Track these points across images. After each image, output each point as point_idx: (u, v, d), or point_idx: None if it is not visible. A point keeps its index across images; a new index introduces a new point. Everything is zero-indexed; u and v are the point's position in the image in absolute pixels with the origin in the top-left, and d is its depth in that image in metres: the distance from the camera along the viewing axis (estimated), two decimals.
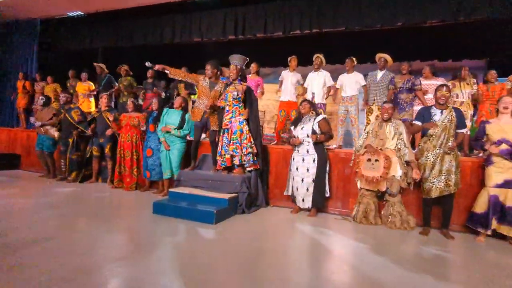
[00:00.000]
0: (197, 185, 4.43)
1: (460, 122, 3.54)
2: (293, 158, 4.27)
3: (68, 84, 7.37)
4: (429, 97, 4.91)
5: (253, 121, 4.45)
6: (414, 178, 3.62)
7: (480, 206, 3.44)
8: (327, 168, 4.24)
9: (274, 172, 4.80)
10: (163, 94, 6.43)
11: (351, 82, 5.19)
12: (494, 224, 3.36)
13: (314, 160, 4.09)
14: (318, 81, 5.31)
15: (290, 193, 4.39)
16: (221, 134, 4.43)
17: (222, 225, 3.70)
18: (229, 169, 4.48)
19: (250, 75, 5.61)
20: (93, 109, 6.91)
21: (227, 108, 4.40)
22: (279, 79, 5.77)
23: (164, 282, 2.28)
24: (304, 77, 5.58)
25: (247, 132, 4.32)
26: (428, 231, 3.67)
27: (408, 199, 4.03)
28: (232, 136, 4.30)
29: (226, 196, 4.07)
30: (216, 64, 4.55)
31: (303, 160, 4.16)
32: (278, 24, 6.05)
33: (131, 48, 7.85)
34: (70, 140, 5.65)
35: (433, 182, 3.53)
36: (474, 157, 4.22)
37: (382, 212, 3.93)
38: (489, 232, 3.40)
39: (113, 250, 2.85)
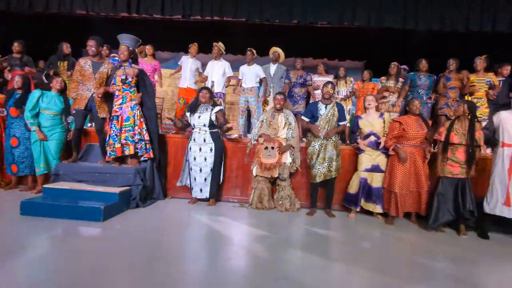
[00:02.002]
0: (80, 179, 3.87)
1: (341, 115, 4.02)
2: (190, 148, 4.14)
3: None
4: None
5: (148, 107, 4.15)
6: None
7: (353, 188, 4.00)
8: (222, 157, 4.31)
9: (172, 162, 4.57)
10: (44, 78, 5.35)
11: (251, 73, 5.28)
12: (362, 202, 3.96)
13: (211, 149, 4.07)
14: (218, 70, 5.25)
15: (184, 184, 4.27)
16: (110, 121, 3.99)
17: (112, 222, 3.34)
18: (121, 160, 4.07)
19: (145, 58, 5.18)
20: None
21: (116, 93, 3.97)
22: (178, 63, 5.52)
23: None
24: (205, 64, 5.45)
25: (139, 117, 4.00)
26: (314, 211, 4.09)
27: (298, 184, 4.39)
28: (124, 123, 3.92)
29: (117, 189, 3.67)
30: (101, 41, 4.04)
31: (200, 149, 4.08)
32: (177, 6, 5.70)
33: None
34: None
35: (318, 168, 3.94)
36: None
37: (275, 196, 4.22)
38: (358, 209, 3.99)
39: None
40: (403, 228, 3.75)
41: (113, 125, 3.94)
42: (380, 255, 2.95)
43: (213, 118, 4.04)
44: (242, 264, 2.60)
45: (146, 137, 4.05)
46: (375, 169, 3.92)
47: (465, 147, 3.46)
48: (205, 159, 4.07)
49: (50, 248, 2.68)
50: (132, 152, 3.94)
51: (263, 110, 5.37)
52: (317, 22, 5.94)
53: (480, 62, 4.74)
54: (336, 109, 3.96)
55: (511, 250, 3.29)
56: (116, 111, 3.95)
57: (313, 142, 3.98)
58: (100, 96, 3.89)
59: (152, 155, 4.12)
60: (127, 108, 3.94)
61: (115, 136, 3.91)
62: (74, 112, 4.11)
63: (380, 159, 3.92)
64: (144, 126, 4.05)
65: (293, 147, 4.09)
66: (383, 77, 5.29)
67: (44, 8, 5.92)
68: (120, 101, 3.96)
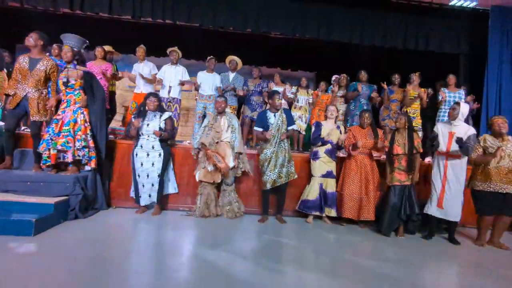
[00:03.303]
0: (9, 189, 3.47)
1: (289, 120, 4.11)
2: (136, 154, 3.94)
3: None
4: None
5: (96, 112, 3.89)
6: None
7: (313, 194, 4.09)
8: (171, 165, 4.21)
9: (118, 169, 4.29)
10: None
11: (210, 81, 5.24)
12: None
13: (160, 155, 3.93)
14: (175, 75, 5.10)
15: (133, 195, 4.08)
16: (49, 125, 3.67)
17: (46, 236, 3.03)
18: (59, 167, 3.74)
19: (94, 61, 4.87)
20: None
21: (62, 97, 3.69)
22: (132, 72, 5.27)
23: None
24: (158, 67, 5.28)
25: (82, 122, 3.72)
26: (266, 218, 4.12)
27: (251, 191, 4.39)
28: (63, 128, 3.61)
29: (52, 200, 3.35)
30: (44, 36, 3.66)
31: (148, 155, 3.91)
32: (127, 6, 5.43)
33: None
34: None
35: (269, 175, 3.98)
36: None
37: (219, 202, 4.15)
38: (324, 215, 4.08)
39: None
40: (354, 232, 3.93)
41: (50, 129, 3.61)
42: (333, 259, 3.04)
43: (163, 126, 3.91)
44: (190, 276, 2.50)
45: (91, 144, 3.77)
46: (329, 174, 4.09)
47: (407, 156, 3.74)
48: (153, 164, 3.91)
49: None
50: (70, 160, 3.63)
51: None
52: (270, 32, 6.08)
53: (415, 77, 5.19)
54: (284, 116, 4.05)
55: (443, 248, 3.60)
56: (59, 115, 3.64)
57: (265, 150, 4.01)
58: (53, 109, 3.62)
59: (94, 165, 3.83)
60: (69, 112, 3.64)
61: (49, 141, 3.58)
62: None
63: (333, 166, 4.11)
64: (89, 132, 3.77)
65: (240, 153, 4.10)
66: (333, 88, 5.55)
67: None
68: (65, 105, 3.68)
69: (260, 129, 4.05)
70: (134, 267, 2.59)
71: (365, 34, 5.99)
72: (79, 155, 3.69)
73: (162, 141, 3.93)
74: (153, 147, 3.90)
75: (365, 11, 5.88)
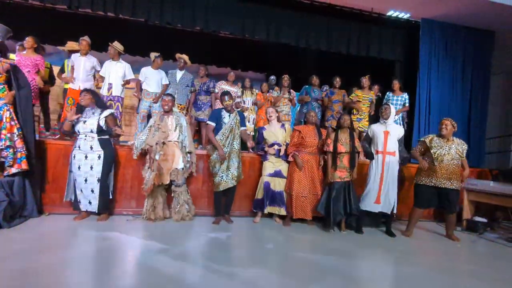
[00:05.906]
0: None
1: (242, 122, 4.16)
2: (74, 156, 3.64)
3: None
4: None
5: (23, 109, 3.53)
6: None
7: (261, 193, 4.18)
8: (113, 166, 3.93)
9: (52, 172, 3.93)
10: None
11: (156, 78, 5.03)
12: (267, 206, 4.14)
13: (99, 157, 3.65)
14: (116, 71, 4.80)
15: (69, 198, 3.77)
16: None
17: None
18: None
19: (24, 52, 4.39)
20: None
21: None
22: (70, 63, 4.83)
23: None
24: (101, 63, 4.91)
25: (8, 120, 3.36)
26: (220, 220, 4.09)
27: (199, 192, 4.33)
28: None
29: None
30: None
31: (86, 157, 3.63)
32: None
33: None
34: None
35: (221, 176, 3.94)
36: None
37: (172, 204, 4.04)
38: (266, 212, 4.15)
39: None
40: (298, 229, 4.05)
41: None
42: (279, 256, 3.10)
43: (102, 123, 3.65)
44: (133, 282, 2.37)
45: (18, 144, 3.41)
46: (277, 174, 4.16)
47: (349, 154, 3.94)
48: (91, 167, 3.62)
49: None
50: None
51: None
52: (220, 31, 6.02)
53: (365, 80, 5.51)
54: (238, 118, 4.07)
55: (379, 240, 3.87)
56: None
57: (216, 150, 3.96)
58: None
59: (25, 166, 3.47)
60: None
61: None
62: None
63: (282, 166, 4.19)
64: (15, 131, 3.41)
65: (189, 153, 4.02)
66: (276, 87, 5.69)
67: None
68: None
69: (213, 124, 4.00)
70: (69, 278, 2.38)
71: (311, 38, 6.20)
72: (3, 156, 3.32)
73: (103, 140, 3.67)
74: (91, 148, 3.62)
75: (312, 15, 6.08)
